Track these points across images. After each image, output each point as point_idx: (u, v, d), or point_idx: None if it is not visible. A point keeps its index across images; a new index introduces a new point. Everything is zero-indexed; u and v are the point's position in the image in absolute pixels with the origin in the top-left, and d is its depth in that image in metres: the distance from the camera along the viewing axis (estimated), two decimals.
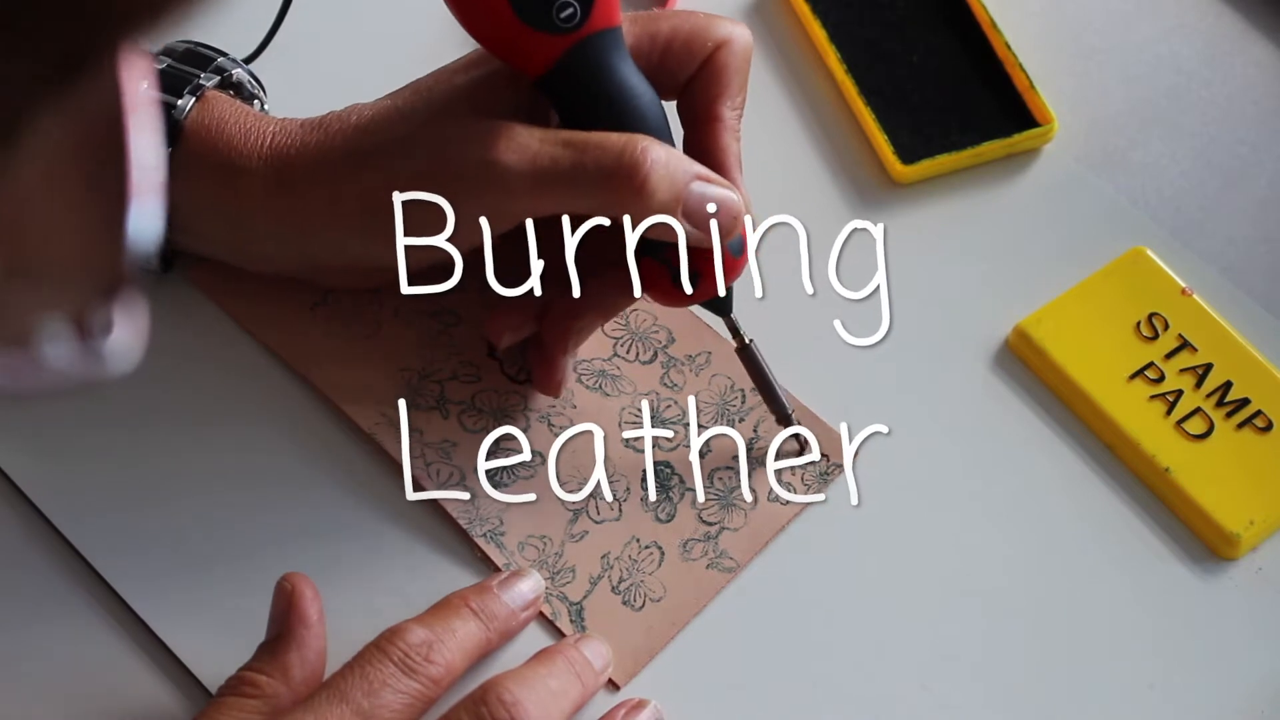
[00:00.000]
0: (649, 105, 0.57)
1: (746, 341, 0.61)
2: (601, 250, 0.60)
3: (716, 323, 0.64)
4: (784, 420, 0.62)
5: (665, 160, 0.56)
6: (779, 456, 0.62)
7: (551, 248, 0.62)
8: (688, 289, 0.58)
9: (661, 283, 0.59)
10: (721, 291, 0.59)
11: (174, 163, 0.59)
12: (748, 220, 0.58)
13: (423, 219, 0.58)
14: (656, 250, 0.58)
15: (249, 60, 0.66)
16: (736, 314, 0.60)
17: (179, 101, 0.59)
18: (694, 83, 0.60)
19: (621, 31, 0.57)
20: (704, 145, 0.59)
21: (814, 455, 0.62)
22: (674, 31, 0.59)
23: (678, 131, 0.60)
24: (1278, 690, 0.60)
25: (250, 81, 0.63)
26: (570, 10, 0.55)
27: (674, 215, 0.56)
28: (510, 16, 0.55)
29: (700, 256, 0.58)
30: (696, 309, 0.61)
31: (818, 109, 0.72)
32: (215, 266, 0.63)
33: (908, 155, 0.69)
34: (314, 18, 0.70)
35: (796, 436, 0.62)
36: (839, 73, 0.72)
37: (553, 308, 0.61)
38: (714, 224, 0.57)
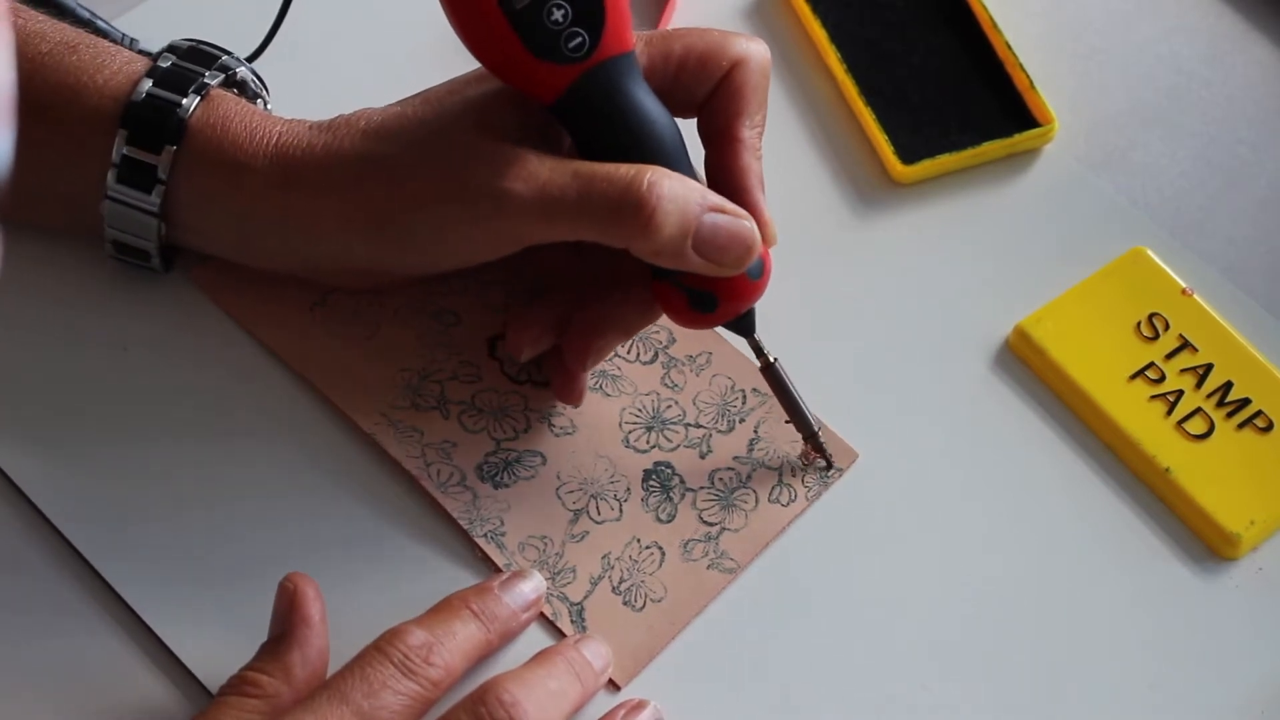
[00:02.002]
0: (664, 129, 0.57)
1: (771, 360, 0.61)
2: (622, 269, 0.60)
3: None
4: (810, 438, 0.62)
5: (674, 195, 0.55)
6: (799, 464, 0.62)
7: (571, 264, 0.62)
8: (702, 315, 0.58)
9: (679, 305, 0.59)
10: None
11: (178, 161, 0.59)
12: (771, 230, 0.58)
13: (428, 236, 0.58)
14: (673, 274, 0.58)
15: (251, 59, 0.66)
16: (760, 335, 0.60)
17: (184, 100, 0.59)
18: (712, 102, 0.59)
19: (634, 55, 0.57)
20: (724, 165, 0.59)
21: (835, 466, 0.62)
22: (688, 51, 0.59)
23: (698, 150, 0.59)
24: (1278, 690, 0.60)
25: (254, 80, 0.63)
26: (579, 39, 0.55)
27: (683, 249, 0.56)
28: (518, 47, 0.55)
29: (717, 281, 0.58)
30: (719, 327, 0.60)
31: (818, 109, 0.72)
32: (215, 266, 0.63)
33: (908, 155, 0.69)
34: (315, 16, 0.70)
35: (821, 450, 0.62)
36: (839, 73, 0.72)
37: (573, 325, 0.61)
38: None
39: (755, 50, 0.59)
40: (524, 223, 0.56)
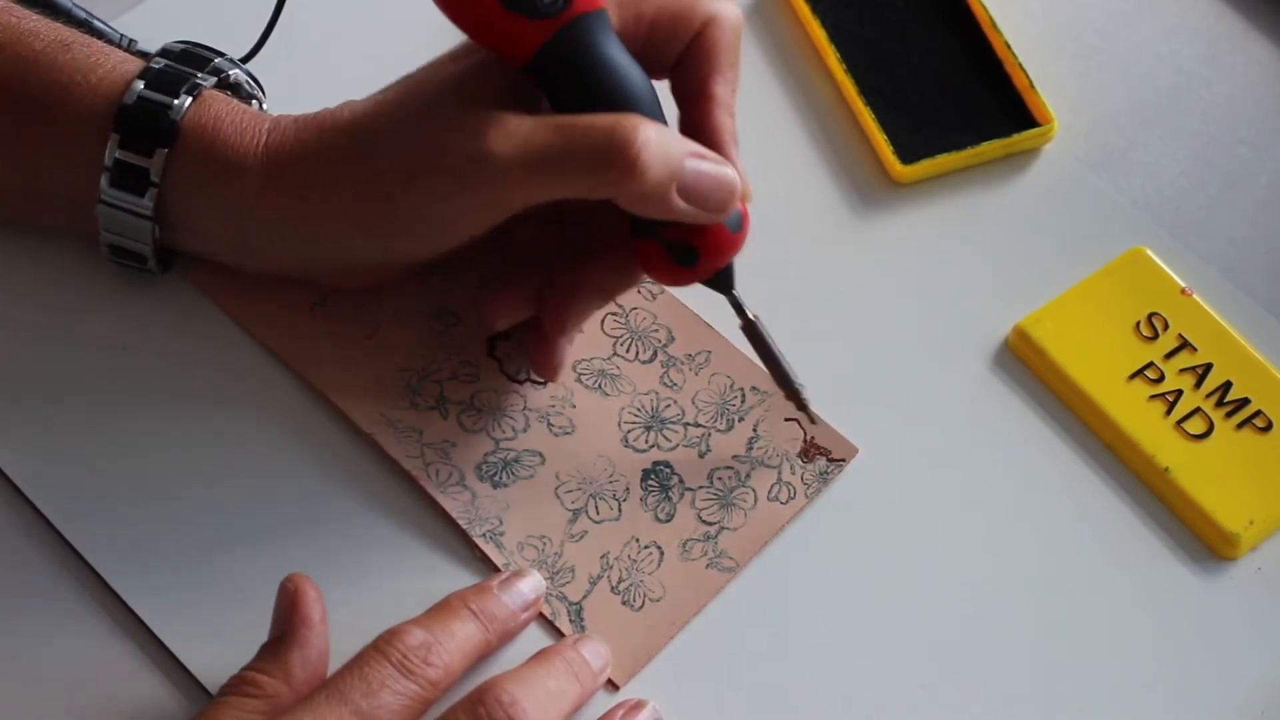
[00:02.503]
0: (639, 85, 0.57)
1: (751, 318, 0.61)
2: (599, 231, 0.60)
3: (716, 320, 0.64)
4: (793, 396, 0.62)
5: (657, 139, 0.55)
6: (799, 462, 0.62)
7: (548, 230, 0.62)
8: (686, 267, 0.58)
9: (660, 263, 0.59)
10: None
11: (171, 163, 0.59)
12: (748, 186, 0.58)
13: (419, 214, 0.58)
14: (654, 229, 0.58)
15: (245, 60, 0.66)
16: (739, 290, 0.60)
17: (175, 101, 0.59)
18: (684, 61, 0.59)
19: (607, 13, 0.57)
20: (698, 124, 0.59)
21: (825, 458, 0.62)
22: (660, 11, 0.59)
23: (671, 112, 0.59)
24: (1278, 690, 0.60)
25: (248, 82, 0.63)
26: None
27: (668, 193, 0.56)
28: (493, 2, 0.55)
29: (699, 234, 0.58)
30: (698, 286, 0.60)
31: (818, 109, 0.72)
32: (215, 266, 0.63)
33: (908, 155, 0.69)
34: (312, 17, 0.70)
35: (805, 408, 0.62)
36: (839, 73, 0.72)
37: (550, 289, 0.61)
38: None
39: (726, 9, 0.60)
40: (509, 182, 0.56)
